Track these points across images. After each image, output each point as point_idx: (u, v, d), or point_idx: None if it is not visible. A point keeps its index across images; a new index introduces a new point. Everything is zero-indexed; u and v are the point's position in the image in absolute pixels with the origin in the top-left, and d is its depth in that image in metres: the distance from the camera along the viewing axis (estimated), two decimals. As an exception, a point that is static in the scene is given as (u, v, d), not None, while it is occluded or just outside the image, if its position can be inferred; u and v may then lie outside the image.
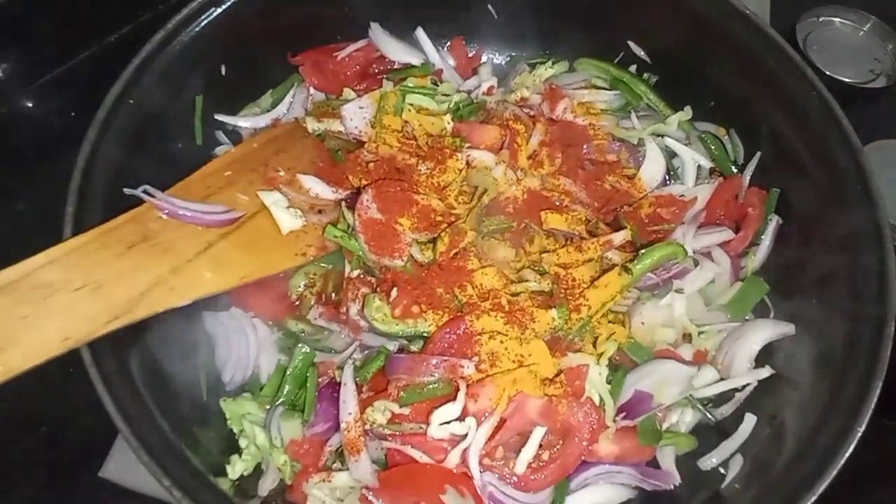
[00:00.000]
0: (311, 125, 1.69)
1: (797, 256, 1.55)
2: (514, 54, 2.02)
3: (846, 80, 2.23)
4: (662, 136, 1.75)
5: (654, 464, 1.43)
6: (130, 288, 1.25)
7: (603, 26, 1.85)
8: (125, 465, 1.60)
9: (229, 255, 1.40)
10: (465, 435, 1.28)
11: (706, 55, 1.70)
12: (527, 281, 1.46)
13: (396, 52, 1.82)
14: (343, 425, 1.31)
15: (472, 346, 1.34)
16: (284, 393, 1.43)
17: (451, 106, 1.72)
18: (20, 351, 1.11)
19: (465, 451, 1.28)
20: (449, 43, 1.94)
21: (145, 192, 1.35)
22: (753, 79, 1.61)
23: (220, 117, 1.71)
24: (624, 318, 1.51)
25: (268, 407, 1.44)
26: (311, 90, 1.79)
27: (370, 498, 1.31)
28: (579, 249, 1.49)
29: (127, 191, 1.35)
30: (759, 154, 1.66)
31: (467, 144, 1.62)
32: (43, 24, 2.10)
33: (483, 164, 1.58)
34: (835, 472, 1.17)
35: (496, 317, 1.37)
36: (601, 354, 1.40)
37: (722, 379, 1.44)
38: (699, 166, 1.72)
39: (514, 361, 1.33)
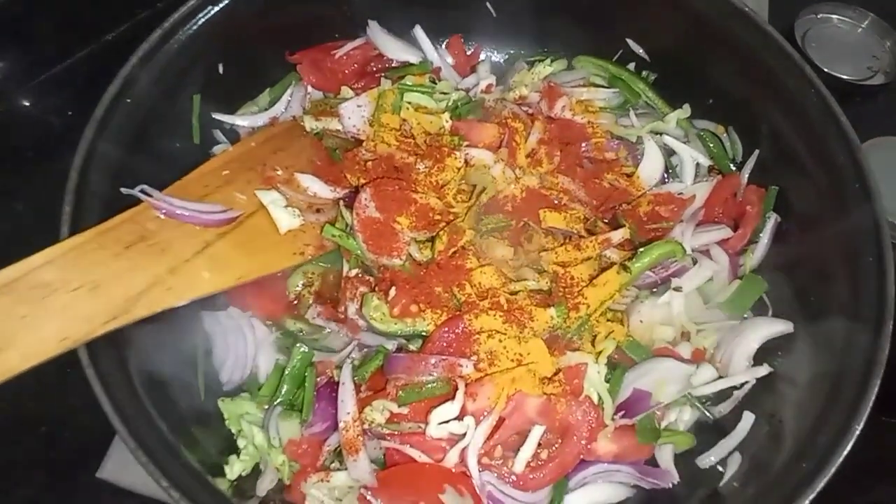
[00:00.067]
0: (309, 124, 1.68)
1: (795, 254, 1.56)
2: (512, 52, 2.01)
3: (844, 77, 2.23)
4: (661, 133, 1.74)
5: (652, 462, 1.43)
6: (128, 288, 1.25)
7: (601, 24, 1.85)
8: (123, 466, 1.59)
9: (227, 254, 1.40)
10: (464, 434, 1.28)
11: (705, 53, 1.70)
12: (525, 279, 1.46)
13: (394, 50, 1.82)
14: (341, 425, 1.31)
15: (471, 345, 1.34)
16: (283, 393, 1.42)
17: (450, 104, 1.72)
18: (18, 351, 1.11)
19: (463, 450, 1.28)
20: (447, 41, 1.94)
21: (143, 191, 1.35)
22: (752, 77, 1.61)
23: (217, 116, 1.71)
24: (622, 317, 1.51)
25: (266, 407, 1.44)
26: (309, 89, 1.79)
27: (369, 497, 1.31)
28: (578, 248, 1.49)
29: (124, 190, 1.35)
30: (757, 152, 1.66)
31: (466, 143, 1.62)
32: (41, 22, 2.10)
33: (481, 163, 1.58)
34: (833, 470, 1.17)
35: (495, 315, 1.36)
36: (600, 353, 1.40)
37: (720, 377, 1.44)
38: (698, 164, 1.72)
39: (512, 360, 1.33)
